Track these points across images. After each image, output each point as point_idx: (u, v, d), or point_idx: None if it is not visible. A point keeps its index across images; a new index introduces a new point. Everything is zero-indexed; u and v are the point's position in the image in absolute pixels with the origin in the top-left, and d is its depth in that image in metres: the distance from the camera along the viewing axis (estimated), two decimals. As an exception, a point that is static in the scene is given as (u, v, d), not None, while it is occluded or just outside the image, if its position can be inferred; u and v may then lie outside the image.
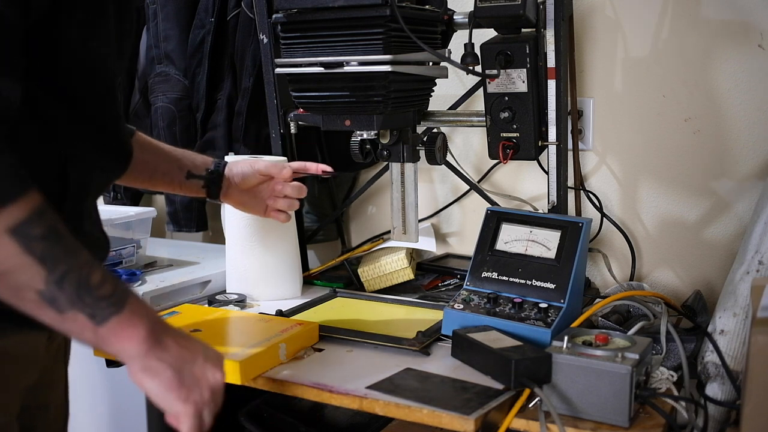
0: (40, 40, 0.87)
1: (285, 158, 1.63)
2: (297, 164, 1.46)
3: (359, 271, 1.69)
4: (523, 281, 1.32)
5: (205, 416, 0.91)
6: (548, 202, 1.50)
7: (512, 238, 1.37)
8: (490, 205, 1.64)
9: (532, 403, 1.10)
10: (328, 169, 1.46)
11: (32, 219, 0.78)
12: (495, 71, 1.42)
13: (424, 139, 1.45)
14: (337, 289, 1.63)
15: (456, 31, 1.49)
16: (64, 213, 0.91)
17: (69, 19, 0.90)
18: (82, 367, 1.70)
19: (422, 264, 1.79)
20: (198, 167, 1.38)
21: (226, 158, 1.47)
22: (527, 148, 1.48)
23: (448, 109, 1.77)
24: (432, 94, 1.51)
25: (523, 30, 1.46)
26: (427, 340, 1.30)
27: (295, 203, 1.46)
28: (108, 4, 0.96)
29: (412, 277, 1.67)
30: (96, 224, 1.08)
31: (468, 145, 1.87)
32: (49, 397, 1.14)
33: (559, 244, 1.32)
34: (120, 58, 1.04)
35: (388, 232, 1.61)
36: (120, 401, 1.63)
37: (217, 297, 1.59)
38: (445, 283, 1.70)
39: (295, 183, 1.45)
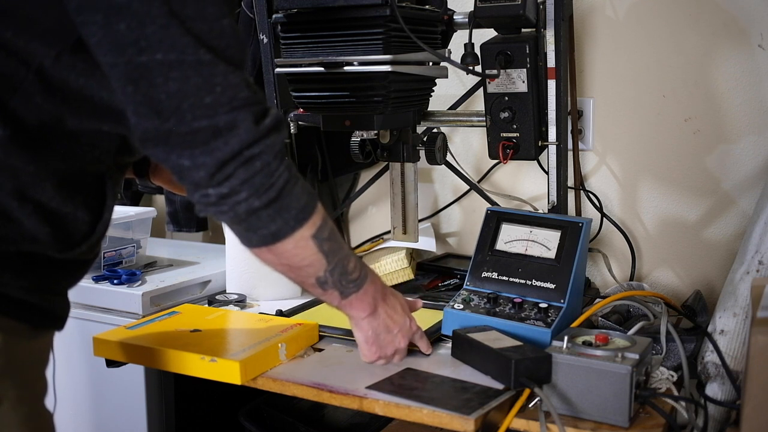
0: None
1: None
2: None
3: (359, 271, 1.68)
4: (523, 281, 1.32)
5: (381, 363, 1.21)
6: (548, 202, 1.50)
7: (512, 238, 1.37)
8: (490, 205, 1.64)
9: (532, 403, 1.10)
10: None
11: (324, 224, 1.01)
12: (495, 71, 1.42)
13: (424, 139, 1.45)
14: (337, 289, 1.62)
15: (456, 31, 1.49)
16: (105, 221, 1.03)
17: None
18: (83, 367, 1.70)
19: (422, 264, 1.79)
20: None
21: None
22: (527, 148, 1.48)
23: (448, 109, 1.77)
24: (432, 94, 1.51)
25: (523, 30, 1.46)
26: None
27: None
28: None
29: (412, 277, 1.67)
30: None
31: (468, 145, 1.88)
32: None
33: (559, 244, 1.32)
34: None
35: (388, 232, 1.61)
36: (120, 401, 1.63)
37: (217, 297, 1.59)
38: (445, 283, 1.70)
39: None
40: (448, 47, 1.50)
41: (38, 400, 1.03)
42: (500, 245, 1.37)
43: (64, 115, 0.93)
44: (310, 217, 0.99)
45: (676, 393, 1.15)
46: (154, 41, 0.85)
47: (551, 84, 1.44)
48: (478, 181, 1.83)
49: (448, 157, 1.70)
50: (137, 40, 0.85)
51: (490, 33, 1.49)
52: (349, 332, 1.35)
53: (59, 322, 1.06)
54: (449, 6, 1.48)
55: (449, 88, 1.74)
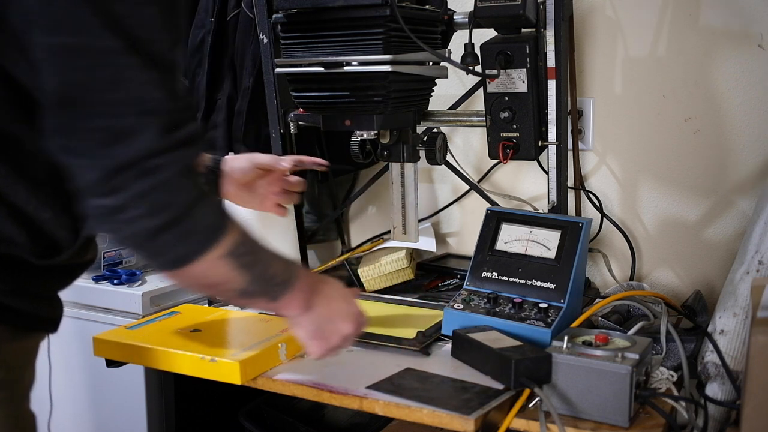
0: None
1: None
2: (292, 158, 1.46)
3: (359, 271, 1.69)
4: (523, 281, 1.32)
5: (331, 354, 1.15)
6: (548, 202, 1.50)
7: (512, 238, 1.37)
8: (490, 205, 1.64)
9: (532, 403, 1.10)
10: (323, 162, 1.47)
11: (239, 241, 0.95)
12: (495, 71, 1.42)
13: (424, 139, 1.45)
14: (337, 289, 1.62)
15: (456, 31, 1.49)
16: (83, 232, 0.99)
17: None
18: (83, 367, 1.70)
19: (422, 264, 1.79)
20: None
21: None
22: (527, 148, 1.48)
23: (448, 109, 1.77)
24: (432, 94, 1.51)
25: (523, 30, 1.46)
26: (427, 340, 1.30)
27: (294, 197, 1.48)
28: None
29: (412, 277, 1.67)
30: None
31: (468, 145, 1.87)
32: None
33: (559, 244, 1.32)
34: None
35: (388, 232, 1.61)
36: (120, 401, 1.63)
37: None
38: (445, 283, 1.70)
39: (295, 177, 1.45)
40: (448, 47, 1.50)
41: (21, 401, 1.02)
42: (500, 245, 1.37)
43: (27, 117, 0.89)
44: (221, 237, 0.91)
45: (676, 393, 1.15)
46: (59, 19, 0.78)
47: (551, 84, 1.44)
48: (478, 181, 1.83)
49: (448, 157, 1.70)
50: (42, 17, 0.78)
51: (490, 33, 1.49)
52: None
53: (47, 325, 1.05)
54: (449, 6, 1.48)
55: (449, 88, 1.74)
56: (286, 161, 1.43)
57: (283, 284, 1.03)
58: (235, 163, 1.41)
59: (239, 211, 1.58)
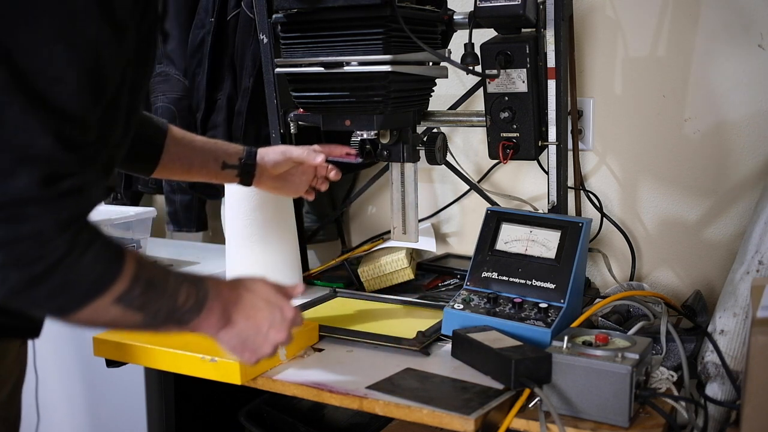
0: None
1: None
2: (324, 150, 1.48)
3: (359, 271, 1.69)
4: (523, 281, 1.32)
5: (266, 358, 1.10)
6: (548, 202, 1.50)
7: (512, 238, 1.37)
8: (490, 205, 1.64)
9: (532, 403, 1.10)
10: (352, 151, 1.48)
11: (131, 286, 0.89)
12: (495, 71, 1.42)
13: (424, 139, 1.45)
14: (337, 289, 1.62)
15: (456, 31, 1.49)
16: None
17: (120, 100, 0.93)
18: (82, 367, 1.70)
19: (422, 264, 1.79)
20: (231, 157, 1.40)
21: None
22: (527, 148, 1.48)
23: (448, 109, 1.77)
24: (432, 94, 1.51)
25: (523, 30, 1.46)
26: (427, 340, 1.30)
27: (326, 183, 1.51)
28: (127, 76, 0.94)
29: (412, 277, 1.67)
30: None
31: (468, 145, 1.87)
32: (12, 409, 1.14)
33: (559, 244, 1.32)
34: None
35: (388, 232, 1.61)
36: (120, 401, 1.63)
37: (217, 297, 1.58)
38: (445, 283, 1.70)
39: (330, 165, 1.48)
40: (448, 47, 1.50)
41: None
42: (500, 245, 1.37)
43: None
44: (108, 287, 0.86)
45: (676, 393, 1.15)
46: None
47: (551, 84, 1.44)
48: (478, 181, 1.83)
49: (448, 157, 1.70)
50: None
51: (490, 33, 1.49)
52: (349, 332, 1.36)
53: (22, 332, 1.04)
54: (449, 6, 1.48)
55: (449, 88, 1.74)
56: (322, 156, 1.44)
57: (192, 309, 0.98)
58: (269, 156, 1.43)
59: (240, 216, 1.58)
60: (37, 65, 0.78)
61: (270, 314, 1.07)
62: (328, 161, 1.47)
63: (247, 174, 1.41)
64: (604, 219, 1.72)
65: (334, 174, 1.48)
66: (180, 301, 0.96)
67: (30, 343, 1.17)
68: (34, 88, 0.77)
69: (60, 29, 0.79)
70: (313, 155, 1.44)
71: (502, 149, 1.48)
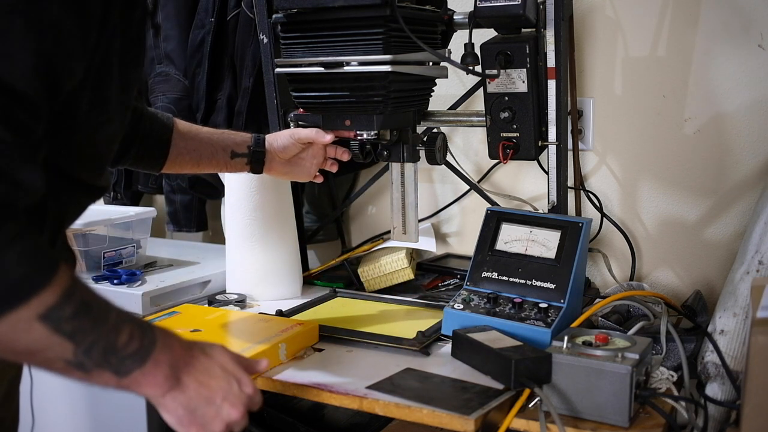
0: (55, 120, 0.85)
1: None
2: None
3: (359, 271, 1.69)
4: (523, 281, 1.32)
5: None
6: (548, 202, 1.50)
7: (512, 238, 1.37)
8: (490, 205, 1.64)
9: (532, 403, 1.10)
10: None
11: (62, 302, 0.78)
12: (495, 71, 1.42)
13: (424, 139, 1.45)
14: (337, 289, 1.63)
15: (456, 31, 1.49)
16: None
17: (81, 98, 0.89)
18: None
19: (422, 264, 1.79)
20: (240, 145, 1.40)
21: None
22: (527, 148, 1.48)
23: (448, 109, 1.77)
24: (432, 94, 1.51)
25: (523, 30, 1.46)
26: (427, 340, 1.30)
27: (336, 165, 1.50)
28: (113, 74, 0.92)
29: (412, 277, 1.67)
30: (64, 244, 1.06)
31: (468, 145, 1.87)
32: (8, 410, 1.13)
33: (559, 244, 1.32)
34: (125, 107, 1.02)
35: (388, 232, 1.61)
36: (120, 401, 1.63)
37: (217, 297, 1.59)
38: (445, 283, 1.70)
39: (340, 146, 1.47)
40: (448, 47, 1.50)
41: None
42: (500, 245, 1.37)
43: None
44: (30, 295, 0.75)
45: (676, 393, 1.15)
46: None
47: (551, 84, 1.44)
48: (478, 181, 1.83)
49: (448, 157, 1.70)
50: None
51: (490, 33, 1.49)
52: (349, 332, 1.36)
53: None
54: (449, 6, 1.48)
55: (449, 88, 1.74)
56: (330, 134, 1.43)
57: (135, 356, 0.85)
58: (278, 141, 1.43)
59: (241, 216, 1.58)
60: None
61: (226, 384, 0.94)
62: (334, 143, 1.46)
63: (257, 161, 1.41)
64: (604, 219, 1.72)
65: (344, 155, 1.47)
66: (121, 341, 0.84)
67: None
68: None
69: (18, 3, 0.75)
70: (322, 133, 1.42)
71: (502, 149, 1.48)
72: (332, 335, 1.36)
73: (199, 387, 0.91)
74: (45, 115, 0.81)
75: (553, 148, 1.47)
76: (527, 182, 1.81)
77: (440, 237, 1.94)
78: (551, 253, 1.32)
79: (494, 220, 1.39)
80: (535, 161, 1.66)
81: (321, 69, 1.33)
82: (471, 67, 1.35)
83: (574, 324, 1.26)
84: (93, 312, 0.82)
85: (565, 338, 1.11)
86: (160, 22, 1.95)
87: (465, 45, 1.36)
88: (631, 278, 1.69)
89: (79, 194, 1.01)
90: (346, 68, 1.31)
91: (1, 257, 0.73)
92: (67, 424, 1.76)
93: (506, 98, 1.46)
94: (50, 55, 0.78)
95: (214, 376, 0.93)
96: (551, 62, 1.43)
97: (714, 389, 1.25)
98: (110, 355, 0.83)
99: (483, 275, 1.35)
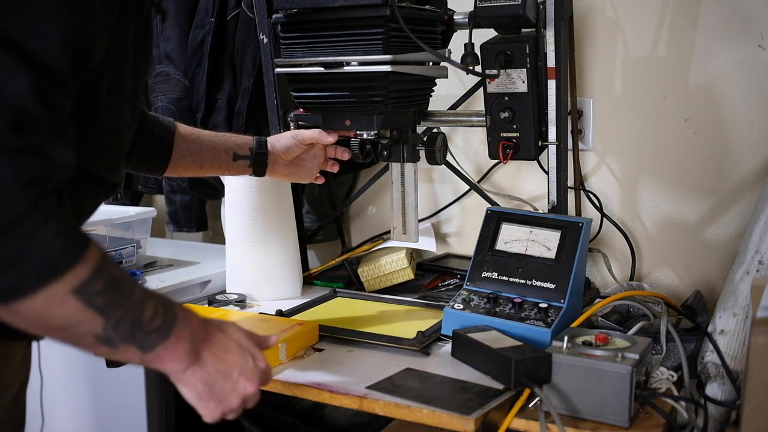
0: (79, 104, 0.86)
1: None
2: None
3: (359, 271, 1.69)
4: (523, 281, 1.32)
5: (230, 416, 0.98)
6: (548, 202, 1.50)
7: (512, 238, 1.37)
8: (490, 205, 1.64)
9: (532, 403, 1.10)
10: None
11: (94, 276, 0.80)
12: (495, 71, 1.42)
13: (424, 139, 1.45)
14: (337, 289, 1.63)
15: (456, 31, 1.49)
16: None
17: (102, 80, 0.89)
18: (83, 367, 1.70)
19: (422, 264, 1.79)
20: (242, 147, 1.40)
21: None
22: (527, 148, 1.48)
23: (448, 109, 1.77)
24: (432, 94, 1.51)
25: (523, 30, 1.46)
26: (427, 340, 1.30)
27: (337, 165, 1.51)
28: (129, 59, 0.93)
29: (412, 277, 1.67)
30: None
31: (468, 145, 1.87)
32: (18, 410, 1.13)
33: (559, 244, 1.32)
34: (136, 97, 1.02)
35: (388, 232, 1.61)
36: (120, 401, 1.63)
37: (217, 297, 1.59)
38: (445, 283, 1.70)
39: (341, 147, 1.47)
40: (448, 47, 1.50)
41: None
42: (500, 245, 1.37)
43: None
44: (66, 270, 0.77)
45: (676, 393, 1.15)
46: None
47: (551, 84, 1.44)
48: (478, 181, 1.83)
49: (448, 157, 1.70)
50: None
51: (490, 33, 1.49)
52: (350, 332, 1.36)
53: (28, 334, 1.04)
54: (449, 6, 1.48)
55: (449, 88, 1.74)
56: (333, 134, 1.44)
57: (158, 331, 0.87)
58: (280, 143, 1.43)
59: (241, 216, 1.58)
60: (19, 14, 0.74)
61: (242, 359, 0.96)
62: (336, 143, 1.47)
63: (259, 163, 1.41)
64: (604, 219, 1.72)
65: (344, 154, 1.47)
66: (146, 316, 0.86)
67: (35, 344, 1.16)
68: (10, 34, 0.73)
69: None
70: (325, 134, 1.43)
71: (502, 149, 1.48)
72: (332, 335, 1.36)
73: (217, 362, 0.93)
74: (72, 94, 0.82)
75: (553, 148, 1.47)
76: (527, 182, 1.81)
77: (440, 237, 1.94)
78: (551, 253, 1.32)
79: (494, 220, 1.39)
80: (535, 161, 1.66)
81: (321, 69, 1.33)
82: (471, 67, 1.35)
83: (574, 324, 1.26)
84: (121, 287, 0.84)
85: (565, 338, 1.11)
86: (166, 8, 1.95)
87: (465, 45, 1.36)
88: (631, 278, 1.69)
89: (94, 189, 1.01)
90: (346, 68, 1.31)
91: (40, 232, 0.74)
92: (75, 423, 1.76)
93: (506, 98, 1.46)
94: (79, 32, 0.79)
95: (230, 352, 0.95)
96: (551, 62, 1.43)
97: (714, 389, 1.25)
98: (136, 330, 0.85)
99: (483, 275, 1.35)
